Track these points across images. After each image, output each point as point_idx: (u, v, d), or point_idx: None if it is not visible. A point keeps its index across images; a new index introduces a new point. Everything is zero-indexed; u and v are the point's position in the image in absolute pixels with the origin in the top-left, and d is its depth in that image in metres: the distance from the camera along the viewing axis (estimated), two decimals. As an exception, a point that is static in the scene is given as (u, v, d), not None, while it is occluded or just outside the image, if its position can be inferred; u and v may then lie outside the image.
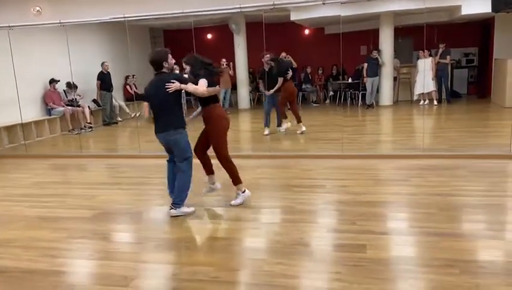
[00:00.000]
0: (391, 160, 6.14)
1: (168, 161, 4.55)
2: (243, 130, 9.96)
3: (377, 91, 11.95)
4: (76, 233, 4.00)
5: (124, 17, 7.10)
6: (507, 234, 3.63)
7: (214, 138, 4.38)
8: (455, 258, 3.10)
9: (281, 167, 6.09)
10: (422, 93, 11.63)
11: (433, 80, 11.49)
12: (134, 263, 3.31)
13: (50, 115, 9.97)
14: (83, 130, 10.08)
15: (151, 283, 3.05)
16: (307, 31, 14.57)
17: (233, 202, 4.48)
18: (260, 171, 5.96)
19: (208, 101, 4.33)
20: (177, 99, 4.20)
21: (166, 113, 4.19)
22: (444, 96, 11.95)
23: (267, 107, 8.53)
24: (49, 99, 9.98)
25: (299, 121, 8.40)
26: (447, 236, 3.48)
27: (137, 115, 12.13)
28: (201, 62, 4.39)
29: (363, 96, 12.12)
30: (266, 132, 8.41)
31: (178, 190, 4.29)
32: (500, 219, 3.92)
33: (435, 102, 11.52)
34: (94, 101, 11.36)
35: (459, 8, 10.16)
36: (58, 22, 7.27)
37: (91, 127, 10.36)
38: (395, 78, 12.33)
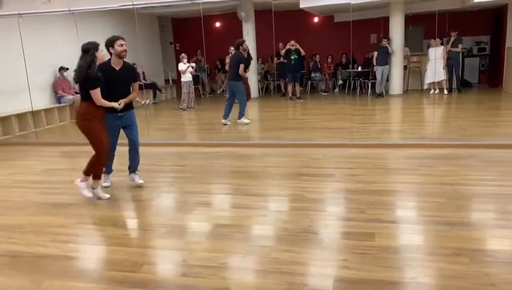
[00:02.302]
0: (401, 149, 6.10)
1: None
2: (251, 119, 9.96)
3: (387, 80, 11.85)
4: (86, 219, 4.05)
5: (133, 5, 7.10)
6: (517, 223, 3.60)
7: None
8: (464, 247, 3.09)
9: (290, 156, 6.08)
10: (433, 82, 11.51)
11: (444, 68, 11.36)
12: (143, 249, 3.35)
13: (60, 103, 10.03)
14: (92, 118, 10.11)
15: (160, 268, 3.09)
16: (316, 19, 14.43)
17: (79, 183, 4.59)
18: (268, 159, 5.96)
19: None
20: None
21: None
22: (454, 85, 11.81)
23: None
24: (58, 87, 10.04)
25: None
26: (456, 225, 3.47)
27: (147, 102, 12.17)
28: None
29: (373, 85, 12.02)
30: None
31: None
32: (509, 209, 3.88)
33: (446, 91, 11.39)
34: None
35: (471, -5, 10.00)
36: (68, 9, 7.29)
37: (100, 115, 10.40)
38: (405, 67, 12.21)
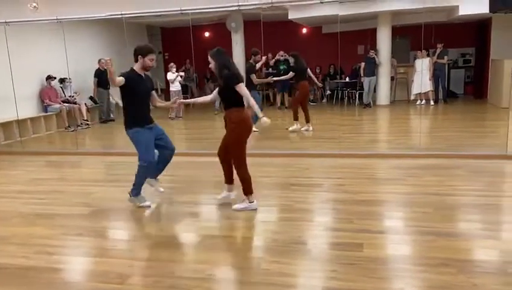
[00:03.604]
0: (388, 159, 6.15)
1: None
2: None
3: (374, 90, 11.96)
4: (72, 230, 3.98)
5: (122, 14, 7.08)
6: (503, 233, 3.64)
7: (231, 142, 4.18)
8: (451, 257, 3.10)
9: (278, 166, 6.08)
10: (419, 93, 11.65)
11: (430, 80, 11.52)
12: (130, 261, 3.30)
13: (46, 112, 9.92)
14: (80, 127, 10.04)
15: (146, 280, 3.04)
16: (304, 30, 14.57)
17: (235, 206, 4.32)
18: (257, 169, 5.92)
19: (232, 104, 4.11)
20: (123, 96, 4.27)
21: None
22: (440, 96, 11.97)
23: None
24: (45, 96, 9.94)
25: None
26: (443, 235, 3.49)
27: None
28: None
29: (360, 95, 12.13)
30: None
31: (135, 179, 4.44)
32: (496, 219, 3.93)
33: (432, 102, 11.54)
34: (91, 98, 11.32)
35: (456, 8, 10.18)
36: (55, 18, 7.25)
37: (87, 124, 10.32)
38: (392, 78, 12.35)
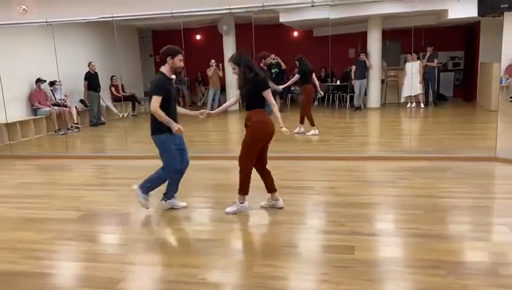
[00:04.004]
0: (379, 162, 6.18)
1: None
2: (232, 132, 9.96)
3: (365, 93, 12.02)
4: (62, 234, 3.94)
5: (112, 17, 7.05)
6: (493, 235, 3.67)
7: (245, 141, 4.12)
8: (442, 259, 3.12)
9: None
10: (410, 96, 11.73)
11: (420, 83, 11.61)
12: (120, 265, 3.27)
13: (36, 115, 9.83)
14: (70, 131, 9.96)
15: (137, 285, 3.02)
16: (296, 33, 14.60)
17: (227, 209, 4.27)
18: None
19: (253, 105, 4.08)
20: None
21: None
22: (430, 99, 12.07)
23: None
24: (35, 99, 9.85)
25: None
26: (434, 237, 3.51)
27: (125, 115, 12.05)
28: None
29: (351, 98, 12.18)
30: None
31: (152, 174, 4.32)
32: (485, 221, 3.96)
33: (422, 105, 11.62)
34: (81, 101, 11.25)
35: (446, 12, 10.28)
36: (45, 21, 7.19)
37: (78, 128, 10.24)
38: (382, 81, 12.43)
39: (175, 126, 4.07)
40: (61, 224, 4.21)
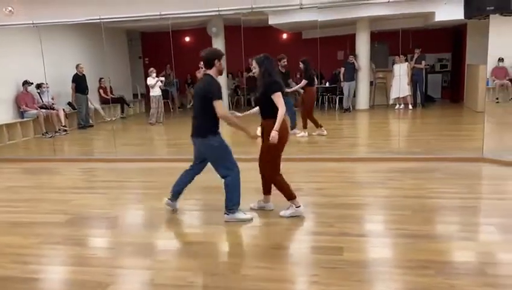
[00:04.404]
0: (368, 163, 6.21)
1: (189, 167, 4.33)
2: (222, 133, 9.93)
3: (354, 95, 12.09)
4: (50, 239, 3.90)
5: (100, 19, 7.00)
6: (480, 235, 3.72)
7: (269, 152, 4.08)
8: (430, 259, 3.15)
9: (258, 170, 6.06)
10: (398, 98, 11.82)
11: (408, 84, 11.71)
12: (109, 269, 3.25)
13: (23, 118, 9.71)
14: (57, 133, 9.85)
15: (126, 288, 3.00)
16: (285, 36, 14.65)
17: (282, 213, 4.15)
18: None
19: (272, 113, 3.96)
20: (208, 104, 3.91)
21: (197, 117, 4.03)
22: (418, 100, 12.18)
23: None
24: (22, 101, 9.73)
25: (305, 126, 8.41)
26: (422, 238, 3.54)
27: (113, 118, 11.96)
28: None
29: (340, 100, 12.24)
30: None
31: (229, 195, 4.06)
32: (473, 221, 4.01)
33: (410, 106, 11.73)
34: (69, 103, 11.14)
35: (433, 14, 10.39)
36: (31, 22, 7.12)
37: (66, 130, 10.14)
38: (371, 83, 12.51)
39: (251, 131, 4.10)
40: (48, 228, 4.16)
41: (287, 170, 5.99)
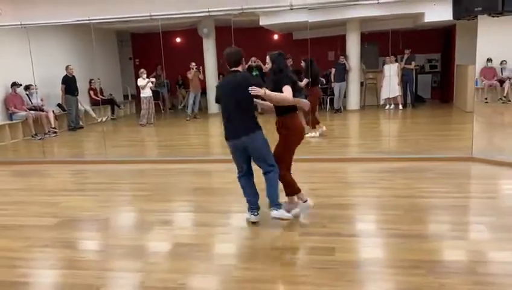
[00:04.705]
0: (359, 163, 6.23)
1: (240, 176, 4.09)
2: (213, 135, 9.92)
3: (344, 96, 12.13)
4: (39, 242, 3.85)
5: (89, 20, 6.94)
6: (471, 234, 3.74)
7: (281, 147, 4.04)
8: (421, 259, 3.16)
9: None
10: (388, 98, 11.89)
11: (398, 85, 11.78)
12: (99, 272, 3.22)
13: (11, 120, 9.61)
14: (47, 135, 9.76)
15: (117, 291, 2.97)
16: (276, 36, 14.66)
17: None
18: (229, 175, 5.89)
19: (286, 110, 3.97)
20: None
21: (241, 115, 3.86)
22: (409, 100, 12.25)
23: None
24: (10, 103, 9.63)
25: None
26: (413, 237, 3.55)
27: (104, 119, 11.88)
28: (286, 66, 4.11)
29: (331, 100, 12.28)
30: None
31: (272, 190, 3.93)
32: (464, 220, 4.03)
33: (400, 106, 11.79)
34: (59, 105, 11.04)
35: (422, 15, 10.47)
36: (20, 23, 7.04)
37: (55, 132, 10.05)
38: (362, 83, 12.56)
39: (304, 101, 4.13)
40: (37, 231, 4.11)
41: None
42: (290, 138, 4.01)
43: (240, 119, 3.83)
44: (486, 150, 6.29)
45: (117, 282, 3.10)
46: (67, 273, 3.24)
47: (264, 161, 3.90)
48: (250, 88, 3.71)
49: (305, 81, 8.19)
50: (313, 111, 8.32)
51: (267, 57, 4.11)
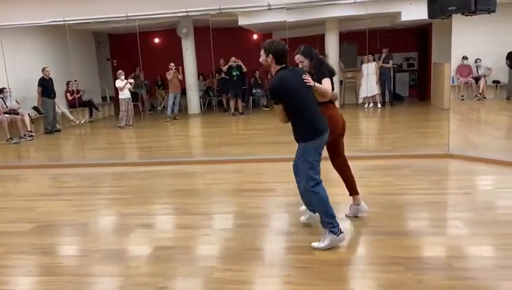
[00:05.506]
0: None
1: (320, 181, 3.72)
2: (194, 136, 9.87)
3: (324, 95, 12.20)
4: (14, 248, 3.76)
5: (64, 21, 6.82)
6: (448, 230, 3.80)
7: None
8: (400, 255, 3.20)
9: (232, 172, 6.06)
10: (367, 97, 12.02)
11: (377, 83, 11.93)
12: (78, 277, 3.16)
13: (-13, 124, 9.37)
14: (23, 139, 9.55)
15: (95, 297, 2.92)
16: (255, 36, 14.67)
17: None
18: (210, 176, 5.90)
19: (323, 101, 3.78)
20: None
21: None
22: (387, 99, 12.42)
23: None
24: (-15, 106, 9.40)
25: None
26: (391, 234, 3.59)
27: (82, 122, 11.71)
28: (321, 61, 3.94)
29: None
30: None
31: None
32: (441, 216, 4.10)
33: (379, 105, 11.94)
34: (35, 108, 10.82)
35: (399, 14, 10.61)
36: (-8, 25, 6.88)
37: (32, 136, 9.84)
38: (341, 82, 12.66)
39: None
40: (13, 237, 4.02)
41: (259, 171, 6.03)
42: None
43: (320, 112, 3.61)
44: (463, 146, 6.41)
45: (95, 287, 3.06)
46: (44, 280, 3.18)
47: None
48: (303, 76, 3.55)
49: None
50: None
51: (297, 56, 3.94)
